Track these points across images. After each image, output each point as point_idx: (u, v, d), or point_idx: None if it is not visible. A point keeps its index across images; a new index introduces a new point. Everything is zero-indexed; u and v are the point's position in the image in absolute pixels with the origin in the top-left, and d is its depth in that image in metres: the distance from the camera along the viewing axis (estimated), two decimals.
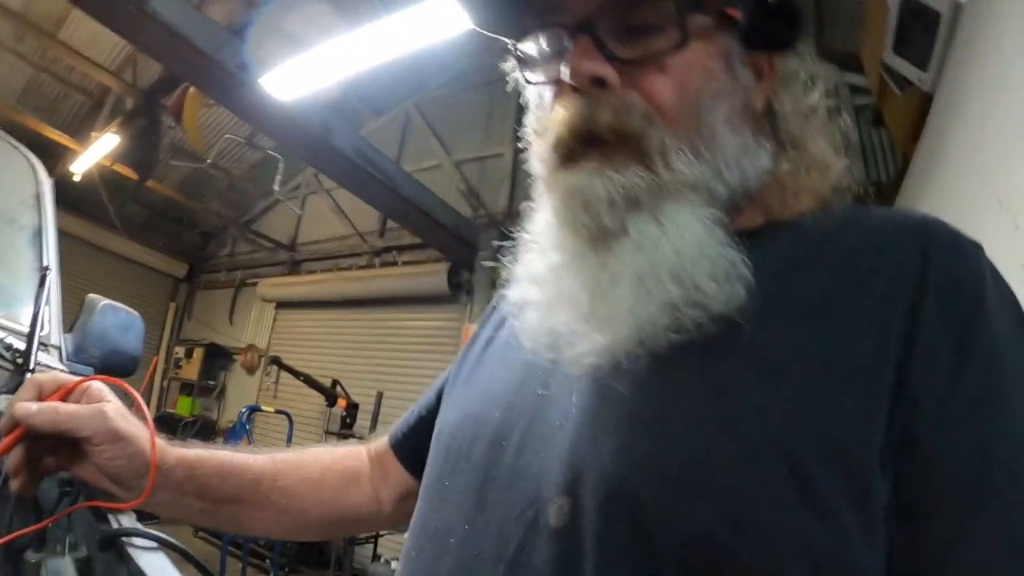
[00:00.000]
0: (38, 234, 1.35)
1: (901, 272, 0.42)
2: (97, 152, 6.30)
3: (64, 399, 0.61)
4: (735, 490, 0.38)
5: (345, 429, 5.59)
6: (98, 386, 0.62)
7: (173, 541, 0.59)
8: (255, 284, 7.91)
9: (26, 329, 0.85)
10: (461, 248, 5.09)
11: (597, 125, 0.46)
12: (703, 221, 0.46)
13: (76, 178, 6.65)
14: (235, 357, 7.75)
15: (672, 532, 0.38)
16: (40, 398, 0.60)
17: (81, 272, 7.39)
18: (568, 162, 0.48)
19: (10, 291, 1.22)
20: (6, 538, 0.54)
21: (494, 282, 0.59)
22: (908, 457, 0.38)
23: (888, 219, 0.47)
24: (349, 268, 7.10)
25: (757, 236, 0.50)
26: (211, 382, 7.99)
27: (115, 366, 1.28)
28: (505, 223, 0.57)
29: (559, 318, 0.49)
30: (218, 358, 8.03)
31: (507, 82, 0.58)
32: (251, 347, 7.45)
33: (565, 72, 0.47)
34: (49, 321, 1.18)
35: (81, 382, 0.62)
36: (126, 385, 0.66)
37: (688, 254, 0.44)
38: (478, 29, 0.56)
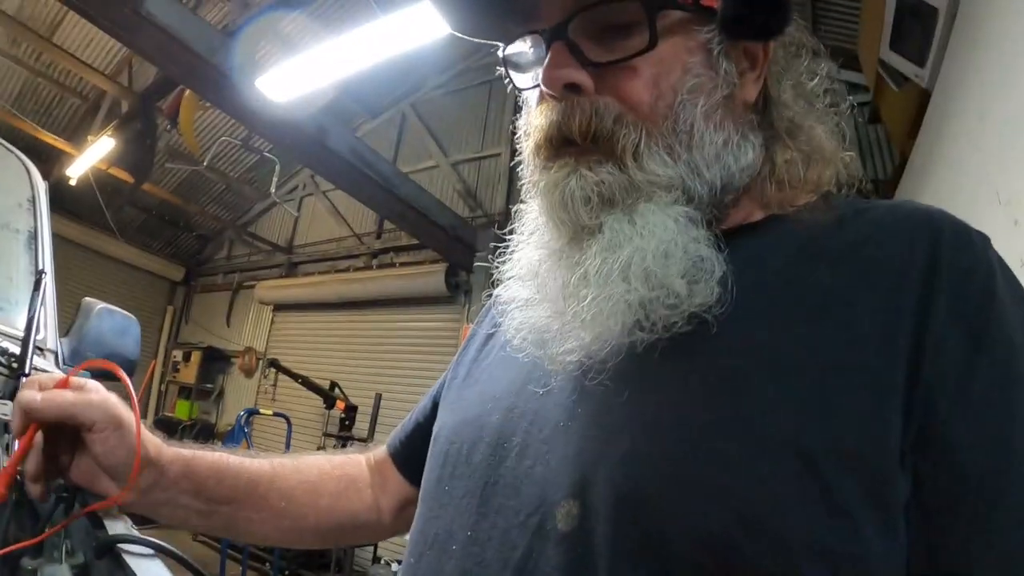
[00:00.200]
0: (33, 238, 1.34)
1: (908, 265, 0.42)
2: (93, 156, 6.30)
3: None
4: (747, 490, 0.37)
5: (344, 431, 5.57)
6: (94, 383, 0.62)
7: (170, 547, 0.59)
8: (252, 287, 7.91)
9: (21, 334, 0.84)
10: (459, 249, 5.09)
11: (571, 131, 0.47)
12: (676, 220, 0.46)
13: (72, 182, 6.65)
14: (233, 360, 7.72)
15: (685, 534, 0.37)
16: None
17: (77, 276, 7.38)
18: (548, 162, 0.49)
19: (5, 295, 1.21)
20: (6, 549, 0.53)
21: (492, 282, 0.59)
22: (926, 452, 0.38)
23: (891, 211, 0.47)
24: (346, 270, 7.10)
25: (757, 230, 0.49)
26: (209, 385, 7.99)
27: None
28: (502, 223, 0.58)
29: (541, 316, 0.49)
30: (216, 361, 8.03)
31: (503, 82, 0.57)
32: (249, 350, 7.44)
33: (541, 79, 0.48)
34: (45, 325, 1.17)
35: (75, 372, 0.62)
36: (114, 366, 0.65)
37: (658, 253, 0.44)
38: (456, 34, 0.56)
